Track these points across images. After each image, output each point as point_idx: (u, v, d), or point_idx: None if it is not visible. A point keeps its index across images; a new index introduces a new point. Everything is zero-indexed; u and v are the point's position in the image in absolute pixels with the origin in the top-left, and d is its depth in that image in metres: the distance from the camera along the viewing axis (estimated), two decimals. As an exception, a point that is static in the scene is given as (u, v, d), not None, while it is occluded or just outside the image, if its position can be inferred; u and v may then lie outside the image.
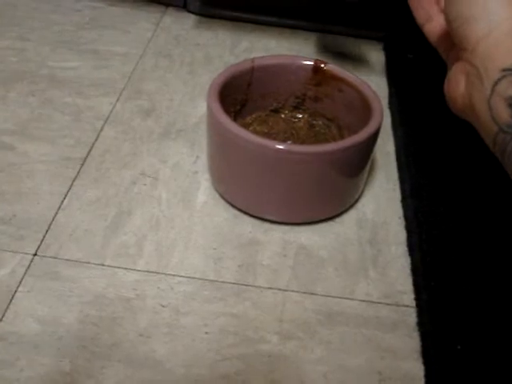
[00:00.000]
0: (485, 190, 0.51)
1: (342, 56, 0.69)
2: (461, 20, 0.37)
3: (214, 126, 0.46)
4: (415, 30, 0.47)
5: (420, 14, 0.47)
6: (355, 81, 0.50)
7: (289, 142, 0.51)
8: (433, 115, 0.58)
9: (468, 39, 0.36)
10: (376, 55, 0.69)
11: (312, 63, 0.51)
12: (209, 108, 0.45)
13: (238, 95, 0.51)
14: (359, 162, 0.46)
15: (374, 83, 0.64)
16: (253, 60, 0.50)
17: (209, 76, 0.62)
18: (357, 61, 0.68)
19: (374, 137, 0.45)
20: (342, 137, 0.51)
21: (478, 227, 0.48)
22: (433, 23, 0.45)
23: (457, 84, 0.38)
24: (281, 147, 0.42)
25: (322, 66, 0.51)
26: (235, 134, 0.43)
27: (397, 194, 0.51)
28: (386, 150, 0.56)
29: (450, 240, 0.47)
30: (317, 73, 0.51)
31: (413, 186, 0.51)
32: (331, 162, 0.43)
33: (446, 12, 0.40)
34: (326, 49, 0.69)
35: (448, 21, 0.39)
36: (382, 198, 0.51)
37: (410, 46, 0.68)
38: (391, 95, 0.62)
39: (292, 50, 0.68)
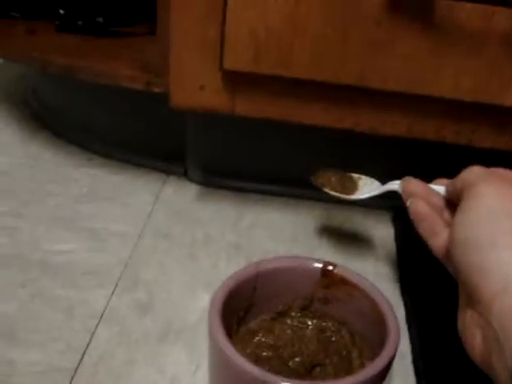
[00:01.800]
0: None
1: (347, 230, 0.66)
2: (471, 270, 0.33)
3: (215, 352, 0.42)
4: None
5: (424, 228, 0.43)
6: (366, 287, 0.46)
7: (296, 360, 0.46)
8: (450, 313, 0.54)
9: (481, 292, 0.32)
10: (384, 228, 0.67)
11: (321, 266, 0.48)
12: (210, 329, 0.42)
13: (242, 302, 0.47)
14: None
15: (382, 268, 0.61)
16: (257, 265, 0.47)
17: (209, 261, 0.60)
18: (363, 238, 0.65)
19: (389, 364, 0.41)
20: (354, 344, 0.48)
21: None
22: (438, 238, 0.42)
23: (473, 337, 0.33)
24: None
25: (331, 268, 0.48)
26: (238, 366, 0.39)
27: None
28: (400, 349, 0.51)
29: None
30: (326, 276, 0.48)
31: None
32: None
33: (452, 259, 0.36)
34: (330, 221, 0.67)
35: (456, 268, 0.36)
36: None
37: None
38: (403, 285, 0.58)
39: (296, 224, 0.66)
